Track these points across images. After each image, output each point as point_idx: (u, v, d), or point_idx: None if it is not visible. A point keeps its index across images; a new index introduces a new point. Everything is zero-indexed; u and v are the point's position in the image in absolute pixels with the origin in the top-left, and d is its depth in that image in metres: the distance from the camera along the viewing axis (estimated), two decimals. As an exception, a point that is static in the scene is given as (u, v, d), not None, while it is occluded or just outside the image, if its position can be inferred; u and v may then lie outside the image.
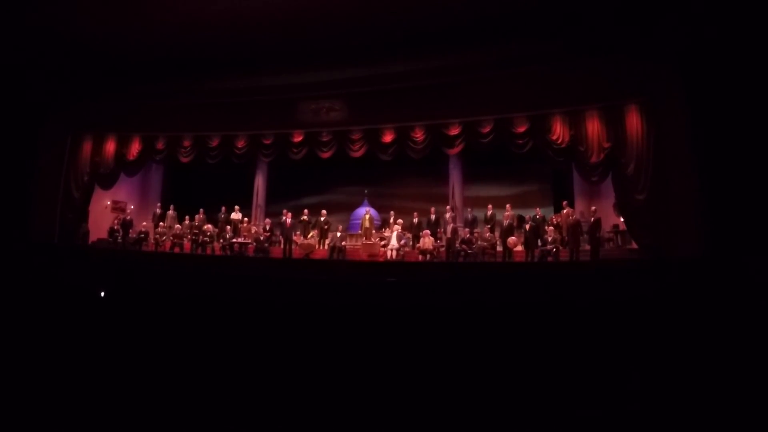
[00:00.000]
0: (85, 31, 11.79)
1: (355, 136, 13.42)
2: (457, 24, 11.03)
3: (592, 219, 11.17)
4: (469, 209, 13.02)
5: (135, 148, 14.67)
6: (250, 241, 12.98)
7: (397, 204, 14.65)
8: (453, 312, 8.33)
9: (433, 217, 12.84)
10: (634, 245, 10.90)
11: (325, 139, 13.61)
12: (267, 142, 14.08)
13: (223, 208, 14.06)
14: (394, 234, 12.17)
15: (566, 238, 11.43)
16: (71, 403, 4.57)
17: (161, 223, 14.02)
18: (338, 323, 7.53)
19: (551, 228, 11.43)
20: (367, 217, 13.13)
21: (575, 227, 11.24)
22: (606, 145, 11.08)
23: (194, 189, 16.18)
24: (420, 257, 11.74)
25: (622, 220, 11.31)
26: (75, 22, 11.36)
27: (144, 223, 14.20)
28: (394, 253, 11.91)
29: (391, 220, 12.87)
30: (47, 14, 11.02)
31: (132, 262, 12.77)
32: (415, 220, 12.91)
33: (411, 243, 12.34)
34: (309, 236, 12.98)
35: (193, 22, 11.17)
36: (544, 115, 11.74)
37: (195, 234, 13.38)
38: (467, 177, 14.18)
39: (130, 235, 13.73)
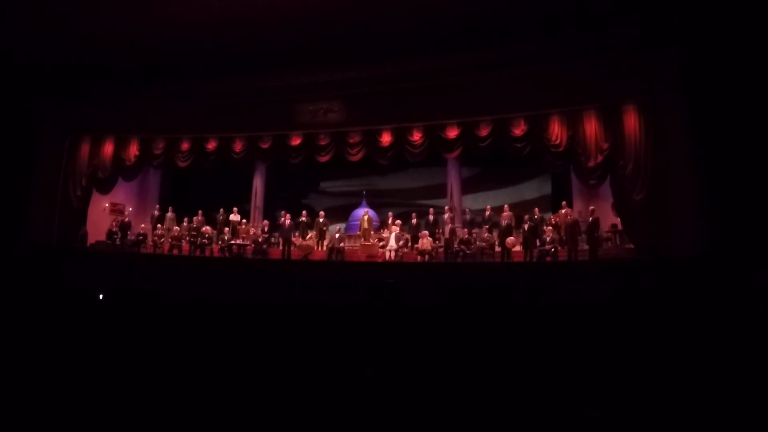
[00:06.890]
0: (84, 33, 11.80)
1: (353, 140, 13.34)
2: (454, 25, 11.05)
3: (591, 219, 11.15)
4: (467, 210, 13.03)
5: (133, 153, 14.59)
6: (248, 242, 12.97)
7: (395, 205, 14.67)
8: (452, 312, 8.36)
9: (431, 217, 12.84)
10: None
11: (323, 143, 13.55)
12: (265, 146, 14.00)
13: (222, 210, 14.05)
14: (393, 235, 12.16)
15: (564, 237, 11.44)
16: (70, 404, 4.57)
17: (159, 225, 13.98)
18: (337, 324, 7.54)
19: (549, 228, 11.43)
20: (366, 218, 13.08)
21: (573, 227, 11.24)
22: (604, 145, 11.03)
23: (193, 191, 16.15)
24: (418, 258, 11.75)
25: (620, 219, 11.31)
26: (73, 24, 11.37)
27: (142, 225, 14.17)
28: (393, 254, 11.91)
29: (390, 221, 12.87)
30: (46, 15, 11.02)
31: (130, 264, 12.75)
32: (414, 221, 12.92)
33: (409, 244, 12.35)
34: (307, 237, 12.97)
35: (191, 24, 11.19)
36: (541, 115, 11.71)
37: (193, 236, 13.34)
38: (465, 177, 14.18)
39: (128, 237, 13.70)
